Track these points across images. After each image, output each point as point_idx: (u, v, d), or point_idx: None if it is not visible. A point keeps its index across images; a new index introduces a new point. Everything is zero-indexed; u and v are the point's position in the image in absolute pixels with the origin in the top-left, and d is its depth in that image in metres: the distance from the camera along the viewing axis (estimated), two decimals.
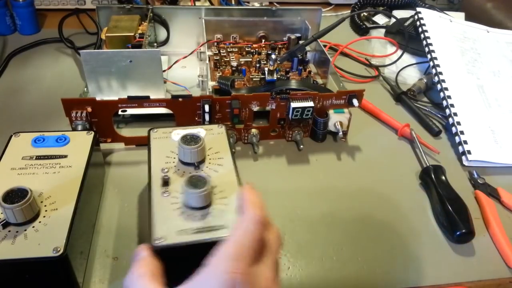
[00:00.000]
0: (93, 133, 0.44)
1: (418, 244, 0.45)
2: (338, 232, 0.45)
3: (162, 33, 0.69)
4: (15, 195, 0.34)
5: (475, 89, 0.64)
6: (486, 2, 0.86)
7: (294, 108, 0.51)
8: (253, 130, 0.55)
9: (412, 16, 0.76)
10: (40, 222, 0.35)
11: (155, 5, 0.69)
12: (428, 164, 0.52)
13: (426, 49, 0.68)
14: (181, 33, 0.69)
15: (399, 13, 0.82)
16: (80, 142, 0.43)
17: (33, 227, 0.34)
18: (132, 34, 0.59)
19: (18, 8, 0.73)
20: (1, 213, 0.34)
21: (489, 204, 0.49)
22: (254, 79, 0.59)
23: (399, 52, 0.74)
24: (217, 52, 0.64)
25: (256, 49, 0.65)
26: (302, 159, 0.54)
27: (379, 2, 0.89)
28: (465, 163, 0.56)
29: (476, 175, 0.53)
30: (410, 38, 0.73)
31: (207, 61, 0.59)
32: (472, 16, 0.81)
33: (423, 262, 0.43)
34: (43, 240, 0.34)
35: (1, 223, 0.34)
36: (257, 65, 0.61)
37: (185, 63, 0.63)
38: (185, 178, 0.36)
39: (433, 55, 0.66)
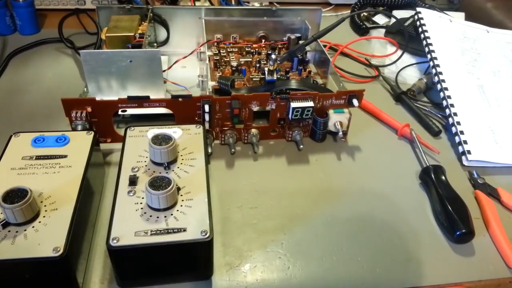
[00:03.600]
0: (93, 133, 0.44)
1: (418, 244, 0.45)
2: (338, 232, 0.45)
3: (162, 33, 0.69)
4: (15, 195, 0.34)
5: (475, 89, 0.64)
6: (486, 2, 0.86)
7: (294, 108, 0.51)
8: (253, 130, 0.55)
9: (412, 16, 0.76)
10: (40, 222, 0.35)
11: (155, 5, 0.69)
12: (428, 164, 0.52)
13: (426, 49, 0.68)
14: (181, 33, 0.69)
15: (399, 13, 0.82)
16: (80, 142, 0.43)
17: (33, 227, 0.34)
18: (132, 34, 0.59)
19: (18, 8, 0.73)
20: (1, 213, 0.34)
21: (489, 204, 0.49)
22: (254, 79, 0.59)
23: (399, 52, 0.74)
24: (217, 52, 0.64)
25: (256, 49, 0.65)
26: (302, 159, 0.54)
27: (379, 2, 0.89)
28: (465, 163, 0.56)
29: (476, 175, 0.53)
30: (410, 38, 0.73)
31: (207, 61, 0.59)
32: (472, 16, 0.81)
33: (423, 262, 0.43)
34: (43, 240, 0.34)
35: (1, 223, 0.34)
36: (257, 65, 0.61)
37: (185, 63, 0.63)
38: (148, 179, 0.36)
39: (433, 55, 0.66)
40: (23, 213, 0.34)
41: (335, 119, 0.54)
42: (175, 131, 0.44)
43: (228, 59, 0.62)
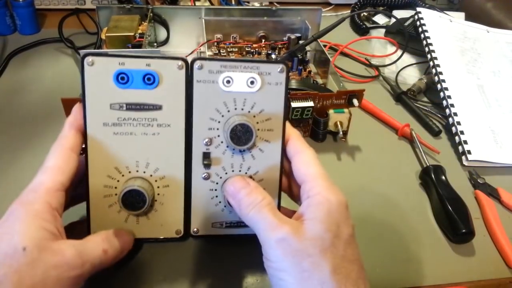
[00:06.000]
0: (184, 64, 0.33)
1: (418, 244, 0.45)
2: None
3: (162, 33, 0.69)
4: (133, 197, 0.33)
5: (475, 89, 0.64)
6: (486, 2, 0.86)
7: (294, 108, 0.51)
8: None
9: (412, 16, 0.76)
10: (156, 200, 0.35)
11: (155, 5, 0.69)
12: (428, 164, 0.52)
13: (426, 49, 0.68)
14: (181, 33, 0.69)
15: (399, 13, 0.82)
16: (172, 83, 0.33)
17: (152, 206, 0.35)
18: (132, 34, 0.59)
19: (18, 8, 0.73)
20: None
21: (489, 204, 0.49)
22: None
23: (399, 52, 0.74)
24: (217, 52, 0.64)
25: (256, 49, 0.65)
26: None
27: (379, 2, 0.89)
28: (465, 163, 0.56)
29: (476, 175, 0.53)
30: (410, 38, 0.73)
31: None
32: (472, 16, 0.81)
33: (423, 262, 0.43)
34: (164, 220, 0.35)
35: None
36: None
37: None
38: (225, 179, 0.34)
39: (433, 55, 0.66)
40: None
41: (335, 119, 0.54)
42: (252, 80, 0.33)
43: None
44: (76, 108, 0.33)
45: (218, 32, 0.66)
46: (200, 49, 0.66)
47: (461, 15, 0.83)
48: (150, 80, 0.33)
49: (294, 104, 0.51)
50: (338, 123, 0.54)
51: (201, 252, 0.40)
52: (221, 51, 0.64)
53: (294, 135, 0.35)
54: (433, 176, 0.50)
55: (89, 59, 0.32)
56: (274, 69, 0.33)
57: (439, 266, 0.43)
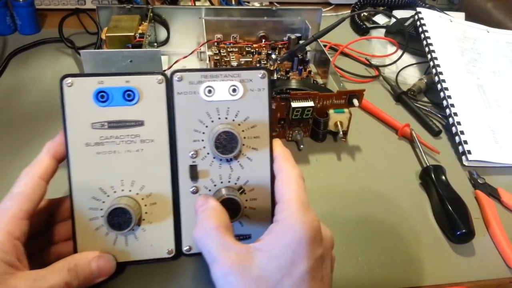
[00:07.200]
0: (164, 79, 0.33)
1: (418, 244, 0.45)
2: (338, 232, 0.45)
3: (162, 33, 0.69)
4: (118, 215, 0.32)
5: (475, 89, 0.64)
6: (486, 2, 0.86)
7: (294, 108, 0.51)
8: None
9: (412, 16, 0.76)
10: (144, 220, 0.34)
11: (155, 5, 0.69)
12: (428, 164, 0.52)
13: (426, 49, 0.68)
14: (181, 33, 0.69)
15: (399, 13, 0.82)
16: (152, 98, 0.33)
17: (139, 225, 0.34)
18: (132, 34, 0.59)
19: (18, 8, 0.73)
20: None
21: (489, 204, 0.49)
22: None
23: (399, 52, 0.74)
24: (217, 52, 0.64)
25: (256, 49, 0.65)
26: (302, 159, 0.54)
27: (379, 2, 0.89)
28: (465, 163, 0.56)
29: (476, 175, 0.53)
30: (410, 38, 0.73)
31: (207, 61, 0.59)
32: (472, 16, 0.81)
33: (423, 262, 0.43)
34: (153, 240, 0.34)
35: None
36: (257, 65, 0.61)
37: (185, 63, 0.63)
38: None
39: (433, 55, 0.66)
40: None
41: (335, 119, 0.54)
42: (234, 88, 0.33)
43: (228, 59, 0.62)
44: (58, 134, 0.33)
45: (218, 32, 0.66)
46: (200, 49, 0.66)
47: (461, 15, 0.83)
48: (130, 96, 0.32)
49: (294, 104, 0.51)
50: (338, 123, 0.54)
51: (195, 270, 0.39)
52: (221, 51, 0.64)
53: (280, 153, 0.34)
54: (433, 176, 0.50)
55: (67, 80, 0.32)
56: (256, 76, 0.33)
57: (439, 266, 0.43)
